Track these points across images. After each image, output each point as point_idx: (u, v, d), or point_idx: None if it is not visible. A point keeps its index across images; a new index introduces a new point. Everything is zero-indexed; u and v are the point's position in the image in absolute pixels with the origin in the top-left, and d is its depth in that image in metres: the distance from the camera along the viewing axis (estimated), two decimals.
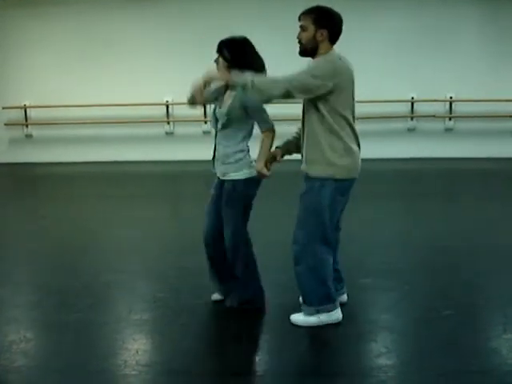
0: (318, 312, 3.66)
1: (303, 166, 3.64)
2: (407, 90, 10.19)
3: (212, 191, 3.91)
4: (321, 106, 3.47)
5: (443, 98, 10.27)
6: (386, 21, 10.03)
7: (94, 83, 10.45)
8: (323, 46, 3.53)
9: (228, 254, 3.84)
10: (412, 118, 10.50)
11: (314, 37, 3.52)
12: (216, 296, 4.05)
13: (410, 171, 9.49)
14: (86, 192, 8.37)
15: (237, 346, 3.50)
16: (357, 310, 3.86)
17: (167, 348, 3.47)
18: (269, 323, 3.82)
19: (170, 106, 10.61)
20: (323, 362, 3.30)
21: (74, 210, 7.21)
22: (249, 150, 3.80)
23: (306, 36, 3.54)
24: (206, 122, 10.45)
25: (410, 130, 10.56)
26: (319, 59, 3.51)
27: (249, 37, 3.76)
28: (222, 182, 3.82)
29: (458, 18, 10.05)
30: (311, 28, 3.51)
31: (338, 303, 3.73)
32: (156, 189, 8.69)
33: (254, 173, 3.73)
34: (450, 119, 10.44)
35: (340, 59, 3.52)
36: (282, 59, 9.75)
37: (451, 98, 10.27)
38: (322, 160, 3.53)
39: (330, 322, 3.67)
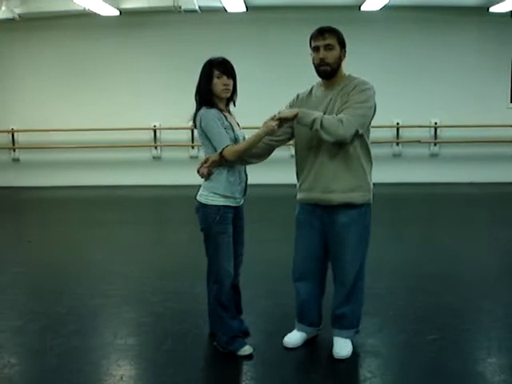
0: (357, 333, 3.69)
1: (335, 196, 3.36)
2: (392, 115, 10.31)
3: None
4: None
5: (428, 124, 10.40)
6: (371, 48, 10.19)
7: (82, 108, 10.50)
8: (342, 67, 3.44)
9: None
10: (397, 144, 10.61)
11: (340, 57, 3.39)
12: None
13: (395, 196, 9.55)
14: (72, 216, 8.34)
15: (222, 371, 3.49)
16: None
17: (152, 374, 3.44)
18: (254, 348, 3.81)
19: (158, 131, 10.66)
20: None
21: (60, 234, 7.18)
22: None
23: (334, 55, 3.35)
24: (193, 147, 10.52)
25: (396, 156, 10.66)
26: (361, 86, 3.34)
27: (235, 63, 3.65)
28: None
29: (441, 46, 10.23)
30: (337, 47, 3.37)
31: None
32: (142, 213, 8.67)
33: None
34: (434, 144, 10.56)
35: None
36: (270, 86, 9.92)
37: (436, 123, 10.41)
38: (366, 186, 3.41)
39: None
